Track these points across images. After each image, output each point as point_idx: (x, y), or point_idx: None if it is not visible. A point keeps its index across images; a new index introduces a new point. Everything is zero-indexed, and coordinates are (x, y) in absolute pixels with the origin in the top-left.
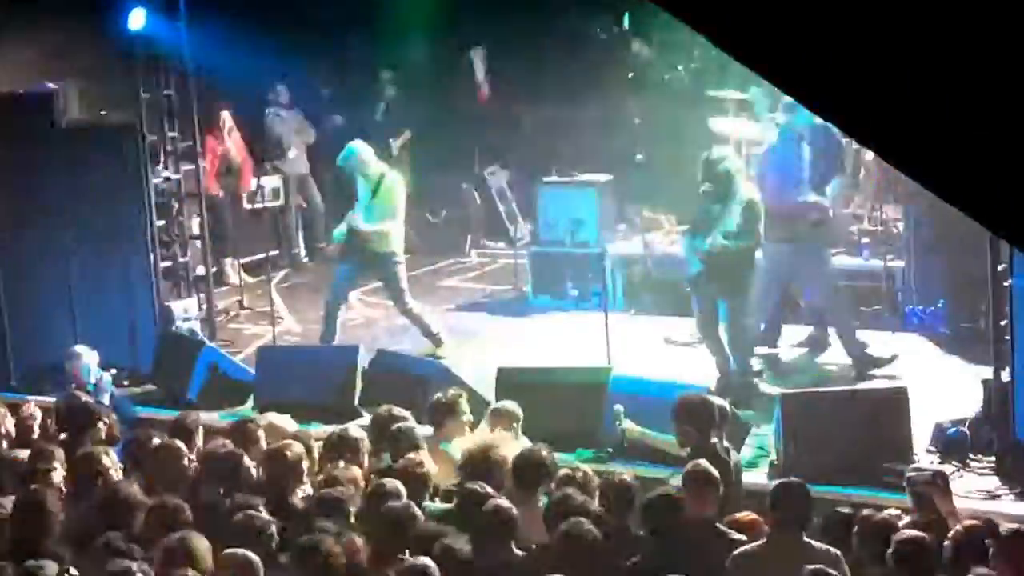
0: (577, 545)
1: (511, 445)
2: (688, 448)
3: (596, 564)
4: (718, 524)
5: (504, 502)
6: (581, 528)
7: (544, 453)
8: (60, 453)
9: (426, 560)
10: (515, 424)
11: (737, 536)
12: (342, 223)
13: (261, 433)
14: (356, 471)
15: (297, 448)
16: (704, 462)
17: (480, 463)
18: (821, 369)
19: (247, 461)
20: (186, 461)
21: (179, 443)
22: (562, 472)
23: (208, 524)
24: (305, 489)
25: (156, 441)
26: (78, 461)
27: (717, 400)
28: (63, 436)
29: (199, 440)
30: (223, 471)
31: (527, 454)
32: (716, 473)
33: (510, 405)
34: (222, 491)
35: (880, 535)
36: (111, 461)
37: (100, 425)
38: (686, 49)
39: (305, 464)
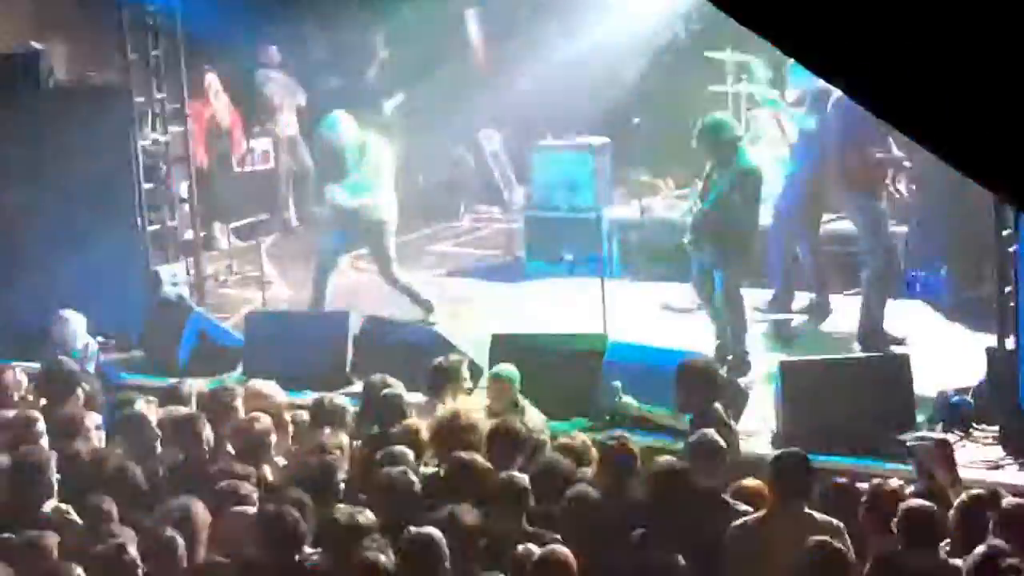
0: (583, 512)
1: (482, 411)
2: (690, 414)
3: (599, 532)
4: (724, 495)
5: (517, 475)
6: (587, 495)
7: (517, 424)
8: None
9: (431, 530)
10: (514, 388)
11: (743, 507)
12: (333, 187)
13: (239, 402)
14: (343, 437)
15: (265, 421)
16: (712, 432)
17: (448, 431)
18: (824, 336)
19: (203, 426)
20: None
21: (143, 411)
22: (560, 441)
23: (171, 488)
24: (277, 461)
25: (134, 408)
26: (56, 425)
27: (719, 366)
28: (43, 402)
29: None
30: (183, 436)
31: (499, 425)
32: (723, 444)
33: (509, 369)
34: (183, 456)
35: (889, 505)
36: (90, 425)
37: (80, 391)
38: (685, 10)
39: (274, 438)
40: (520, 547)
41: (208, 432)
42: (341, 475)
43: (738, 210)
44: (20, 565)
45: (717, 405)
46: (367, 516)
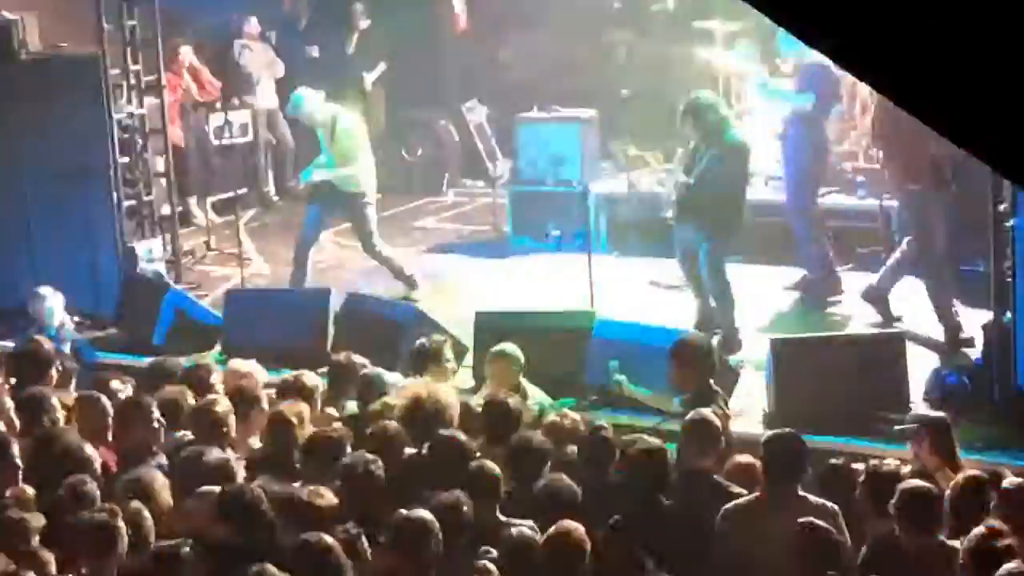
0: (558, 502)
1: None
2: (682, 395)
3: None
4: (716, 476)
5: (488, 464)
6: (560, 484)
7: (511, 401)
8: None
9: (424, 512)
10: (517, 369)
11: (736, 489)
12: (312, 165)
13: (215, 378)
14: (302, 406)
15: (224, 404)
16: (707, 412)
17: (417, 412)
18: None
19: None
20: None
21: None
22: (549, 419)
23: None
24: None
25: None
26: (22, 404)
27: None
28: (12, 382)
29: None
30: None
31: (493, 402)
32: (719, 425)
33: (512, 349)
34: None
35: (886, 486)
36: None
37: (53, 372)
38: None
39: (232, 420)
40: (514, 530)
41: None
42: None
43: (723, 185)
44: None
45: (712, 383)
46: (328, 498)
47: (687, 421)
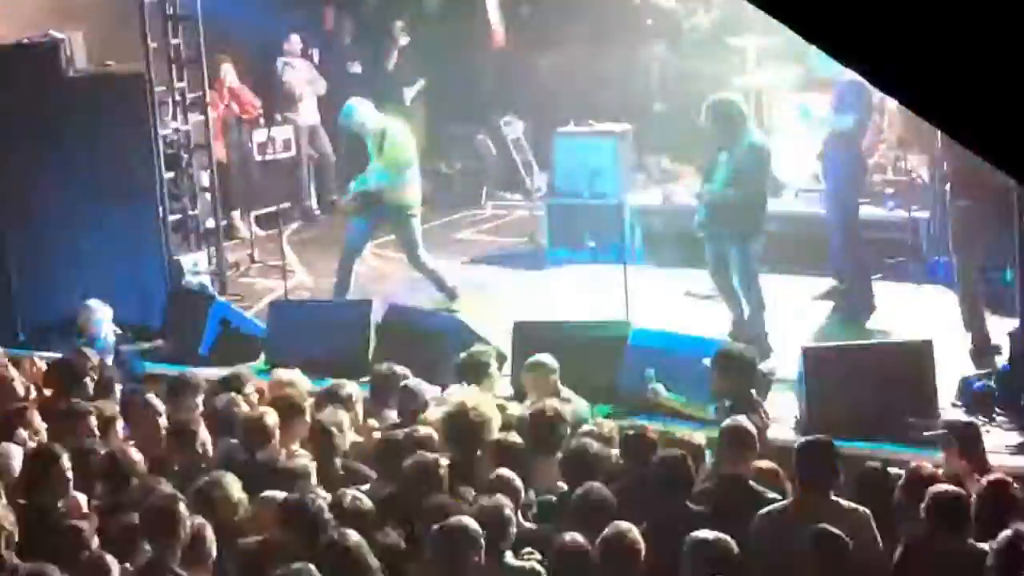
0: (596, 508)
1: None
2: (718, 403)
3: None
4: (752, 483)
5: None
6: (597, 491)
7: (556, 409)
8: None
9: (466, 518)
10: (555, 379)
11: (771, 495)
12: (362, 177)
13: (250, 387)
14: (343, 415)
15: (273, 416)
16: (743, 419)
17: (462, 426)
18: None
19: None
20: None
21: (154, 402)
22: (585, 428)
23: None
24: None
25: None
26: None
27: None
28: (48, 392)
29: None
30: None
31: (539, 413)
32: (755, 432)
33: (549, 360)
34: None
35: (924, 490)
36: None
37: (90, 383)
38: None
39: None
40: (567, 536)
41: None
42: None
43: (748, 186)
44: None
45: (753, 393)
46: (366, 503)
47: (726, 429)
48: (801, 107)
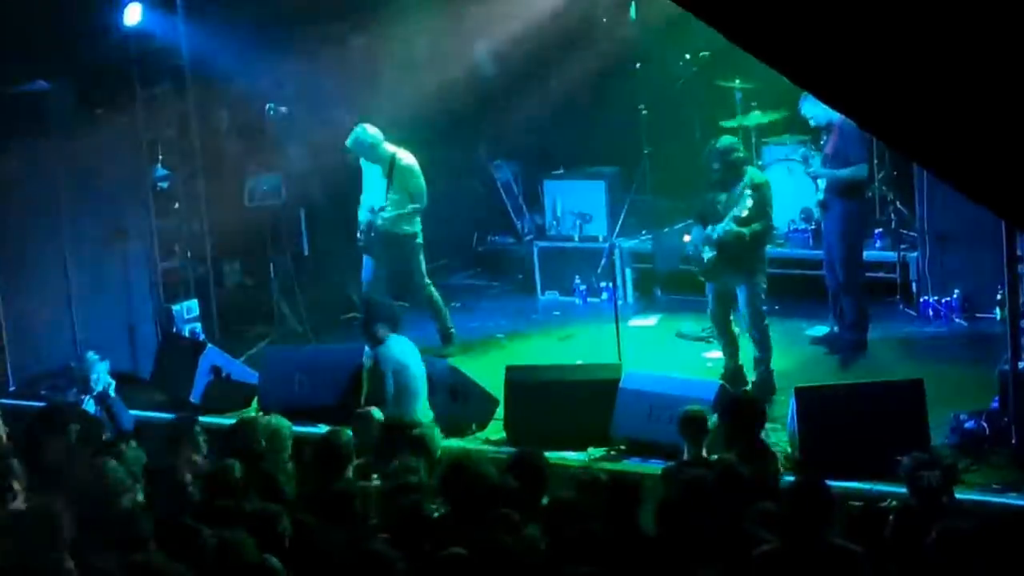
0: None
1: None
2: (735, 449)
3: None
4: (744, 525)
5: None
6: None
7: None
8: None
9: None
10: None
11: (765, 534)
12: (362, 207)
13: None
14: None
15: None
16: (736, 462)
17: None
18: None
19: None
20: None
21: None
22: (571, 474)
23: None
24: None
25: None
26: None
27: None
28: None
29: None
30: None
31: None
32: (746, 475)
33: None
34: None
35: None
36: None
37: (71, 430)
38: (694, 39)
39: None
40: None
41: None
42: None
43: (755, 223)
44: None
45: (764, 440)
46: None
47: (717, 472)
48: (808, 168)
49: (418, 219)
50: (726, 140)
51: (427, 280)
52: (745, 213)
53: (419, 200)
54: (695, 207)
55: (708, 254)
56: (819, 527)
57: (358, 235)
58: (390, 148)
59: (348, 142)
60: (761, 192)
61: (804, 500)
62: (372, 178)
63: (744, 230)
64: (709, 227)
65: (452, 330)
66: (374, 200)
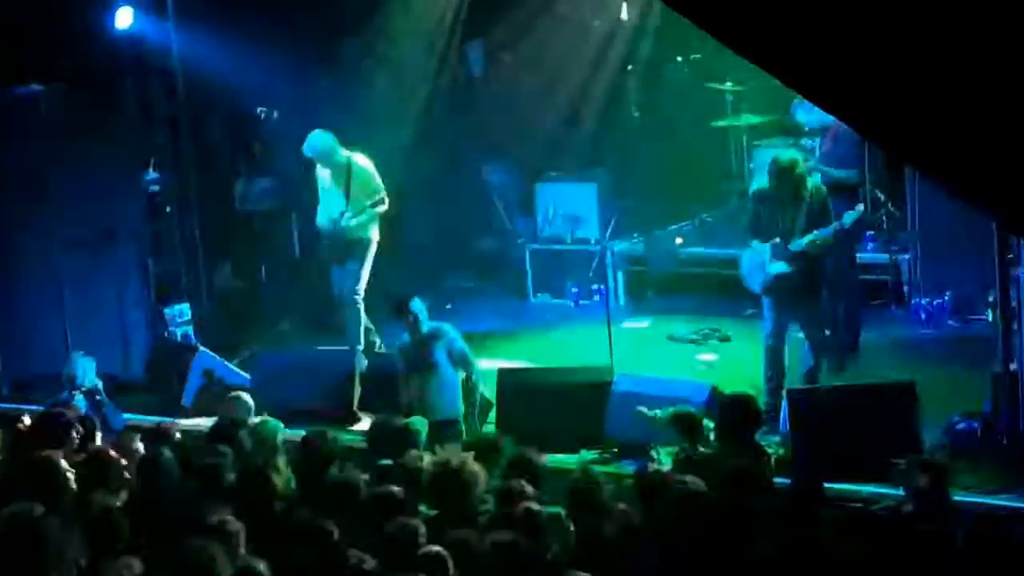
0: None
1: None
2: (730, 449)
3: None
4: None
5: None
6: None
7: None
8: None
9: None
10: None
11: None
12: (320, 213)
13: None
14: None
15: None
16: (743, 461)
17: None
18: None
19: None
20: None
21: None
22: (574, 475)
23: None
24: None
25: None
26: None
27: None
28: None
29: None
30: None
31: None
32: (751, 472)
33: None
34: None
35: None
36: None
37: (73, 435)
38: (685, 41)
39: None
40: None
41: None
42: None
43: (825, 231)
44: None
45: (756, 440)
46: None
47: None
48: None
49: (377, 225)
50: (788, 155)
51: (361, 287)
52: (808, 222)
53: (379, 202)
54: (752, 224)
55: (777, 269)
56: (814, 529)
57: (321, 245)
58: (345, 153)
59: (304, 148)
60: (824, 201)
61: (800, 502)
62: (329, 185)
63: (818, 238)
64: (775, 240)
65: (374, 342)
66: (332, 207)
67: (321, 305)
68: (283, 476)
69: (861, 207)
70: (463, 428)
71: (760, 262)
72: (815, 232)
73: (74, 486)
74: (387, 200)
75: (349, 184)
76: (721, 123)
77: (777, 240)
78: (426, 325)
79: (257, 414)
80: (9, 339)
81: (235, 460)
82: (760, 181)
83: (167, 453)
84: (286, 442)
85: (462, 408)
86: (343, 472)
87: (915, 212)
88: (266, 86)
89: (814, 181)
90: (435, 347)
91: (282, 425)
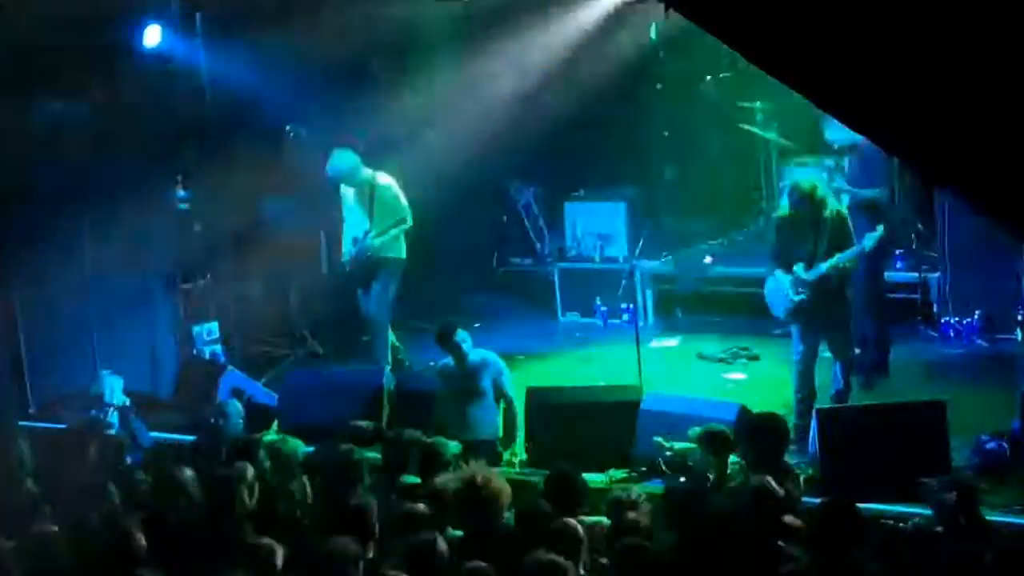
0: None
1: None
2: (758, 470)
3: None
4: (775, 542)
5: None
6: (639, 546)
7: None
8: None
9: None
10: None
11: (794, 551)
12: (346, 237)
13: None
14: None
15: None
16: (770, 481)
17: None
18: None
19: None
20: None
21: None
22: (612, 496)
23: None
24: None
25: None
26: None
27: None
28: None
29: None
30: None
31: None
32: (780, 493)
33: None
34: None
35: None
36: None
37: (92, 451)
38: (715, 60)
39: None
40: None
41: None
42: None
43: (850, 253)
44: None
45: (785, 460)
46: None
47: (751, 490)
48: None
49: (403, 244)
50: (808, 180)
51: (390, 308)
52: (830, 245)
53: (404, 220)
54: (774, 253)
55: (799, 296)
56: (846, 547)
57: (347, 264)
58: (368, 171)
59: (327, 169)
60: (842, 219)
61: (833, 520)
62: (353, 205)
63: (842, 261)
64: (795, 270)
65: (403, 360)
66: (357, 227)
67: (349, 324)
68: (302, 494)
69: (881, 228)
70: (500, 451)
71: (783, 290)
72: (837, 256)
73: None
74: (410, 219)
75: (372, 203)
76: (750, 141)
77: (797, 270)
78: (472, 354)
79: (284, 433)
80: (37, 357)
81: (255, 479)
82: (782, 207)
83: (187, 472)
84: (310, 460)
85: (501, 431)
86: (368, 491)
87: (944, 231)
88: (295, 103)
89: (835, 204)
90: (482, 375)
91: (302, 444)
